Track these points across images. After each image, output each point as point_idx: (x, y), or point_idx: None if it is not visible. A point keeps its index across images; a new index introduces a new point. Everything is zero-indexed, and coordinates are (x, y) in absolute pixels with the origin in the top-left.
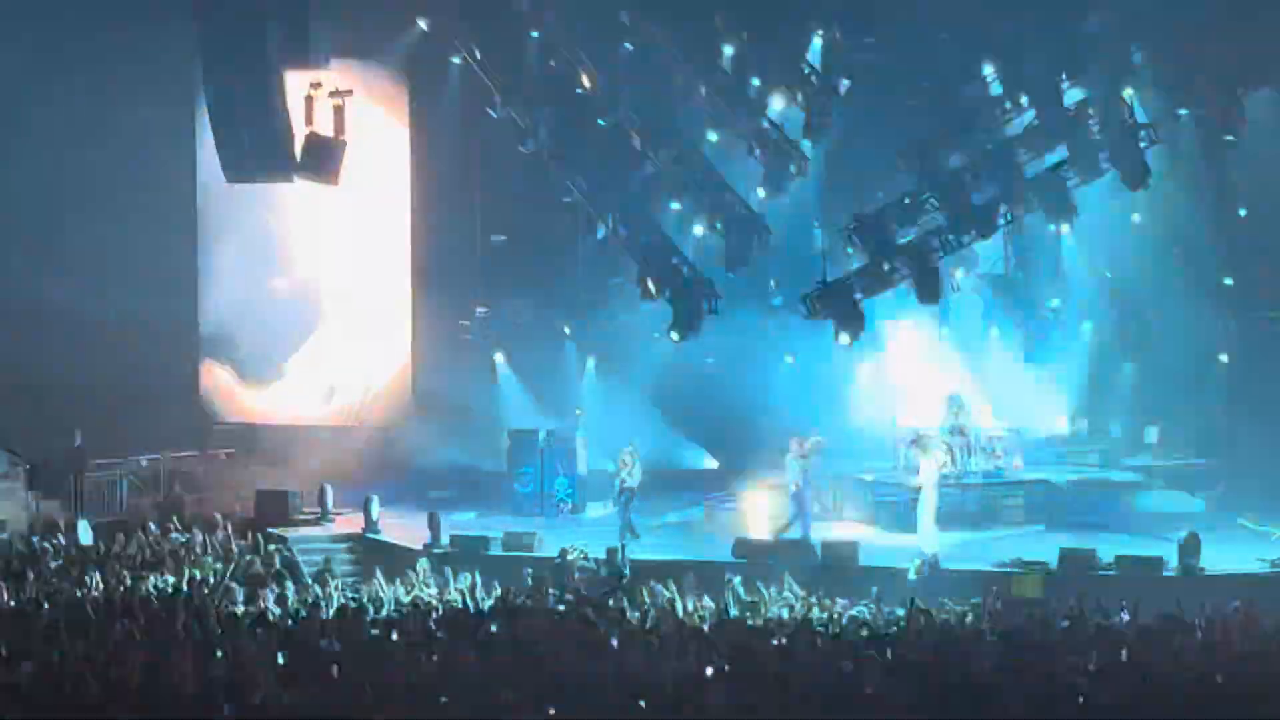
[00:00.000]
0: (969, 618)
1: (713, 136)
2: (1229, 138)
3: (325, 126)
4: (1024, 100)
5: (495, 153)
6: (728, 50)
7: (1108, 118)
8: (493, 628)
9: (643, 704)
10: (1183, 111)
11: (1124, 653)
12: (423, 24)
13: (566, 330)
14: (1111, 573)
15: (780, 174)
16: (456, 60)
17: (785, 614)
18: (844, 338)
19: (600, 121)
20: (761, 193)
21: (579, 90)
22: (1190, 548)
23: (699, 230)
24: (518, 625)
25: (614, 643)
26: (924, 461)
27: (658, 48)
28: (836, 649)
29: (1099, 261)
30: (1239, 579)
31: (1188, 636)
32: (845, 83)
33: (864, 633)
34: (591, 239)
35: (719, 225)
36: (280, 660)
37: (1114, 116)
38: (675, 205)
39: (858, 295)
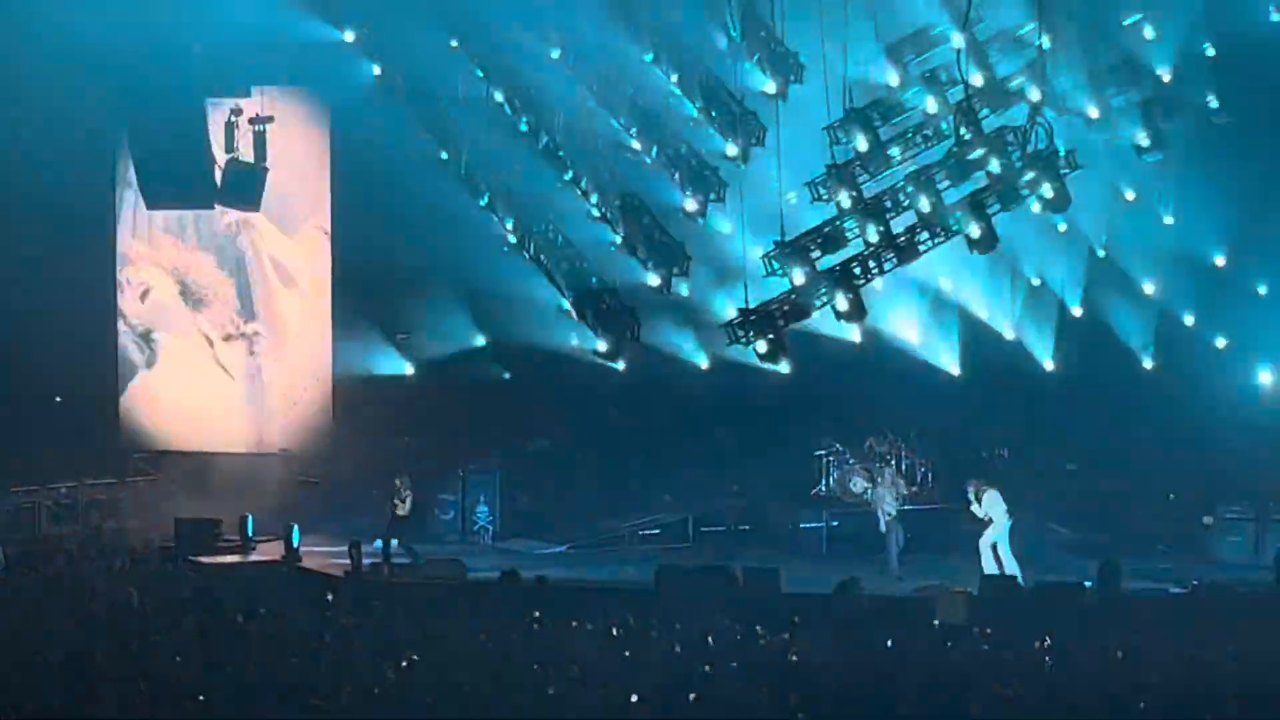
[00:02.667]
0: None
1: (636, 152)
2: (1151, 155)
3: (246, 153)
4: (944, 126)
5: (413, 168)
6: (653, 70)
7: (1028, 144)
8: None
9: None
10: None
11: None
12: (347, 36)
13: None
14: (1033, 599)
15: (702, 197)
16: (376, 70)
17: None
18: (767, 362)
19: (523, 127)
20: (690, 206)
21: (501, 105)
22: (1110, 572)
23: (618, 241)
24: None
25: None
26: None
27: (586, 63)
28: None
29: (1026, 268)
30: (1158, 601)
31: (1105, 661)
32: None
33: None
34: (515, 259)
35: (639, 251)
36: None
37: (1034, 142)
38: (595, 211)
39: (780, 321)
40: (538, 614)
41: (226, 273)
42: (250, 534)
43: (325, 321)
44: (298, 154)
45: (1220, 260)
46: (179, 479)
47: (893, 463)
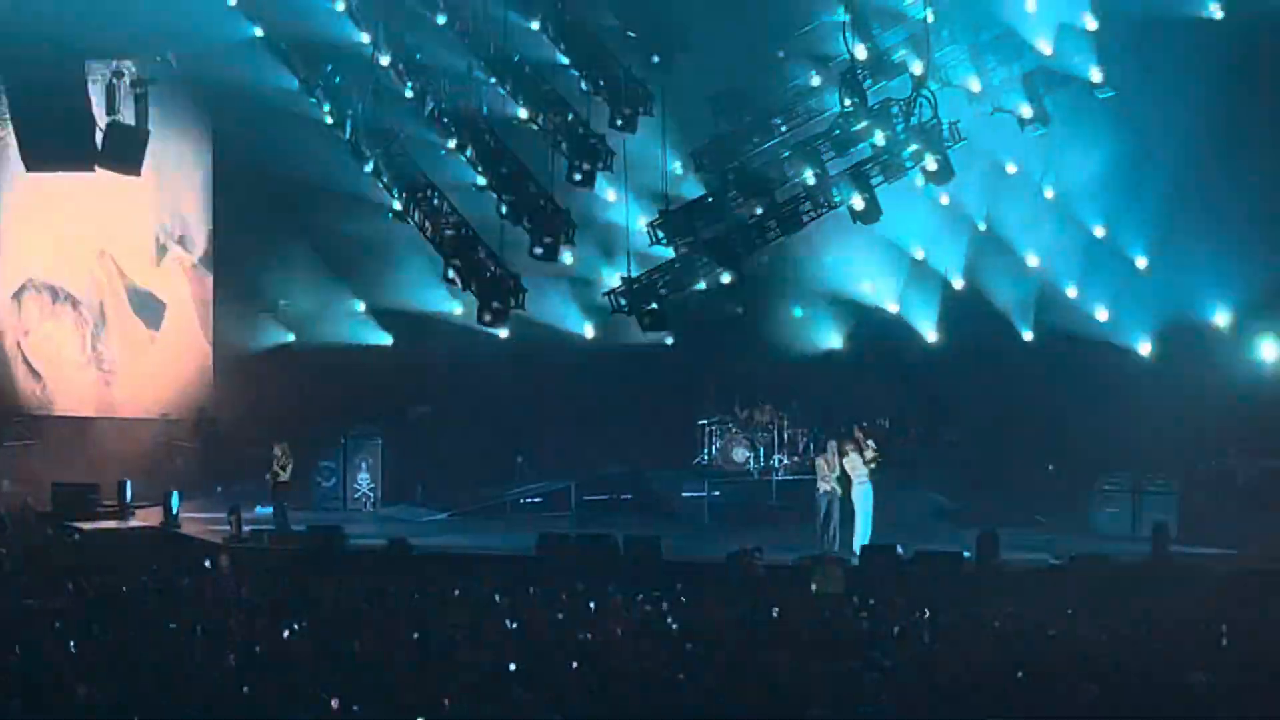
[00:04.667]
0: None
1: (522, 120)
2: (1036, 129)
3: (127, 115)
4: (828, 98)
5: (297, 134)
6: (540, 39)
7: (911, 117)
8: None
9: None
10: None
11: (920, 646)
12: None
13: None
14: (912, 568)
15: (587, 168)
16: (259, 33)
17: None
18: (651, 332)
19: (409, 93)
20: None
21: (387, 70)
22: (988, 542)
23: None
24: None
25: None
26: (853, 460)
27: (473, 31)
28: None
29: (908, 241)
30: (1034, 572)
31: (982, 631)
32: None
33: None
34: (399, 226)
35: (525, 220)
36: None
37: (918, 114)
38: (481, 182)
39: (663, 291)
40: (419, 581)
41: (107, 237)
42: (128, 499)
43: (206, 287)
44: (179, 117)
45: (1100, 232)
46: (57, 444)
47: (776, 433)
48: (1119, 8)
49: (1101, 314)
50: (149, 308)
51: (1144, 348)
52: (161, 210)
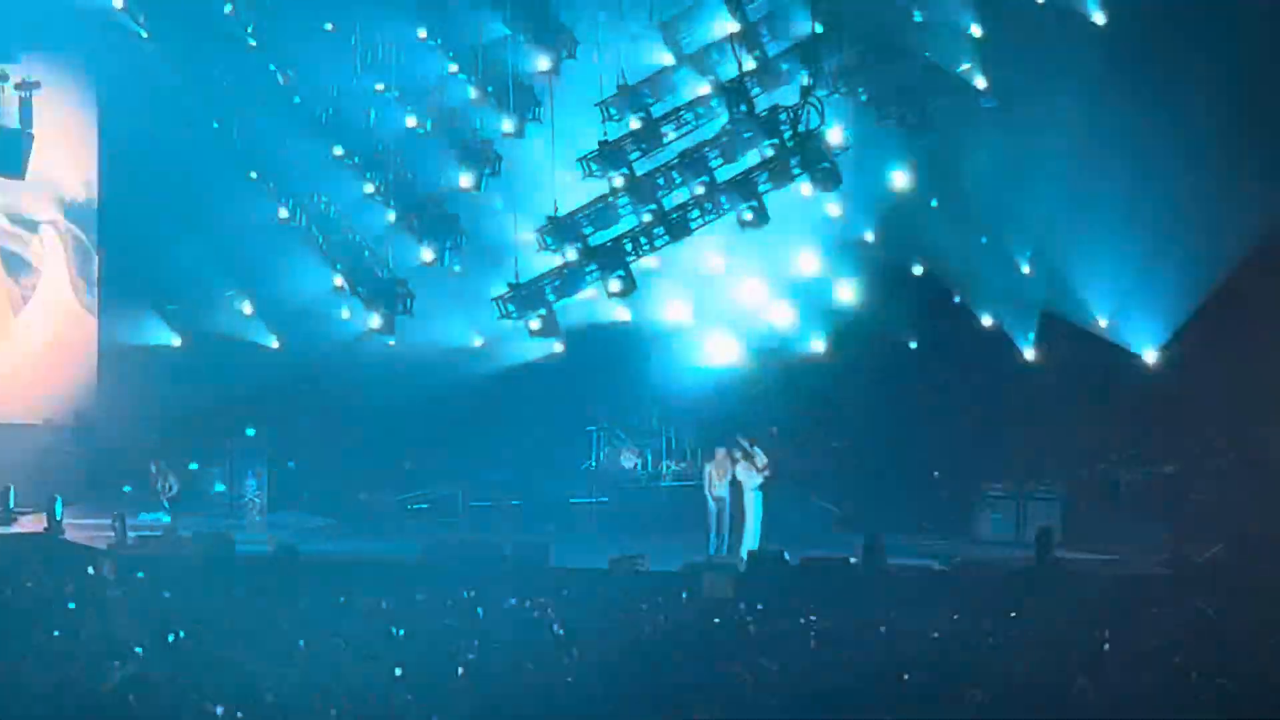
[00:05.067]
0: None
1: (410, 127)
2: (919, 135)
3: (11, 119)
4: (716, 105)
5: (186, 138)
6: (427, 45)
7: (799, 124)
8: None
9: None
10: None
11: (808, 651)
12: (115, 2)
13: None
14: (799, 574)
15: (476, 173)
16: (146, 37)
17: None
18: (539, 338)
19: (296, 100)
20: (464, 182)
21: (274, 76)
22: (874, 548)
23: (391, 218)
24: None
25: None
26: (743, 467)
27: (360, 38)
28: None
29: (797, 248)
30: (920, 578)
31: (871, 637)
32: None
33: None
34: (287, 232)
35: (413, 226)
36: None
37: (806, 123)
38: (369, 188)
39: (551, 297)
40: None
41: None
42: (11, 505)
43: (93, 290)
44: (65, 121)
45: (985, 239)
46: None
47: (664, 439)
48: (1004, 15)
49: (987, 320)
50: (32, 306)
51: (1028, 353)
52: (49, 209)
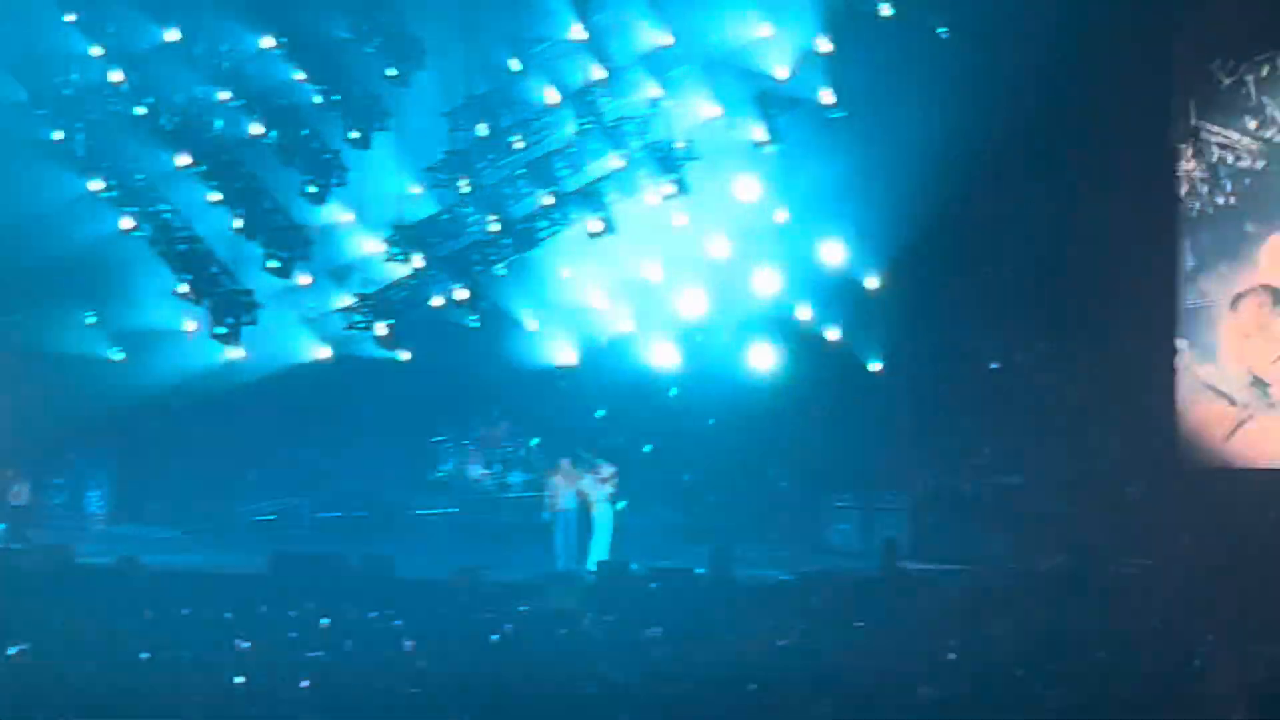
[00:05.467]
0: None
1: (256, 136)
2: (767, 148)
3: None
4: (565, 115)
5: (28, 149)
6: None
7: (646, 135)
8: None
9: None
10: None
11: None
12: None
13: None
14: (647, 584)
15: (321, 184)
16: None
17: None
18: (386, 348)
19: (141, 109)
20: (311, 191)
21: (119, 85)
22: (721, 558)
23: (237, 228)
24: None
25: None
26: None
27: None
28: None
29: (643, 259)
30: (767, 587)
31: (717, 646)
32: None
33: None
34: (132, 241)
35: (259, 236)
36: None
37: (653, 134)
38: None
39: (399, 307)
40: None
41: None
42: None
43: None
44: None
45: (832, 252)
46: None
47: (511, 450)
48: (851, 29)
49: (833, 333)
50: None
51: (874, 368)
52: None
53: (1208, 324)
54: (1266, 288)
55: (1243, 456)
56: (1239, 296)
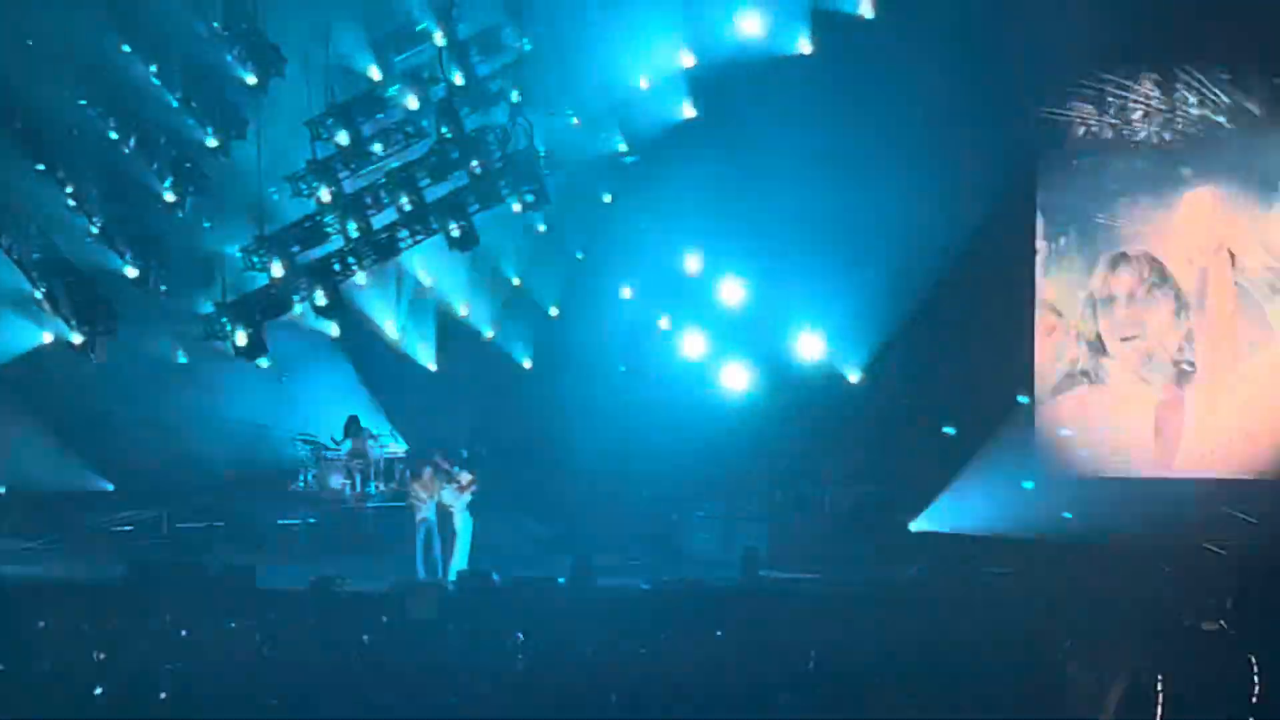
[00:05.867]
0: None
1: (114, 141)
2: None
3: None
4: (426, 124)
5: None
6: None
7: (508, 145)
8: None
9: None
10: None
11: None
12: None
13: None
14: (507, 594)
15: (182, 189)
16: None
17: None
18: (246, 356)
19: None
20: (170, 198)
21: None
22: (582, 567)
23: (95, 234)
24: None
25: None
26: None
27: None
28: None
29: (506, 268)
30: (628, 597)
31: (578, 657)
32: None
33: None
34: None
35: (117, 242)
36: None
37: (515, 143)
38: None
39: (259, 316)
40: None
41: None
42: None
43: None
44: None
45: (692, 262)
46: None
47: (371, 459)
48: (713, 42)
49: (696, 342)
50: None
51: (735, 377)
52: None
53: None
54: (1154, 260)
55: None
56: (1121, 258)
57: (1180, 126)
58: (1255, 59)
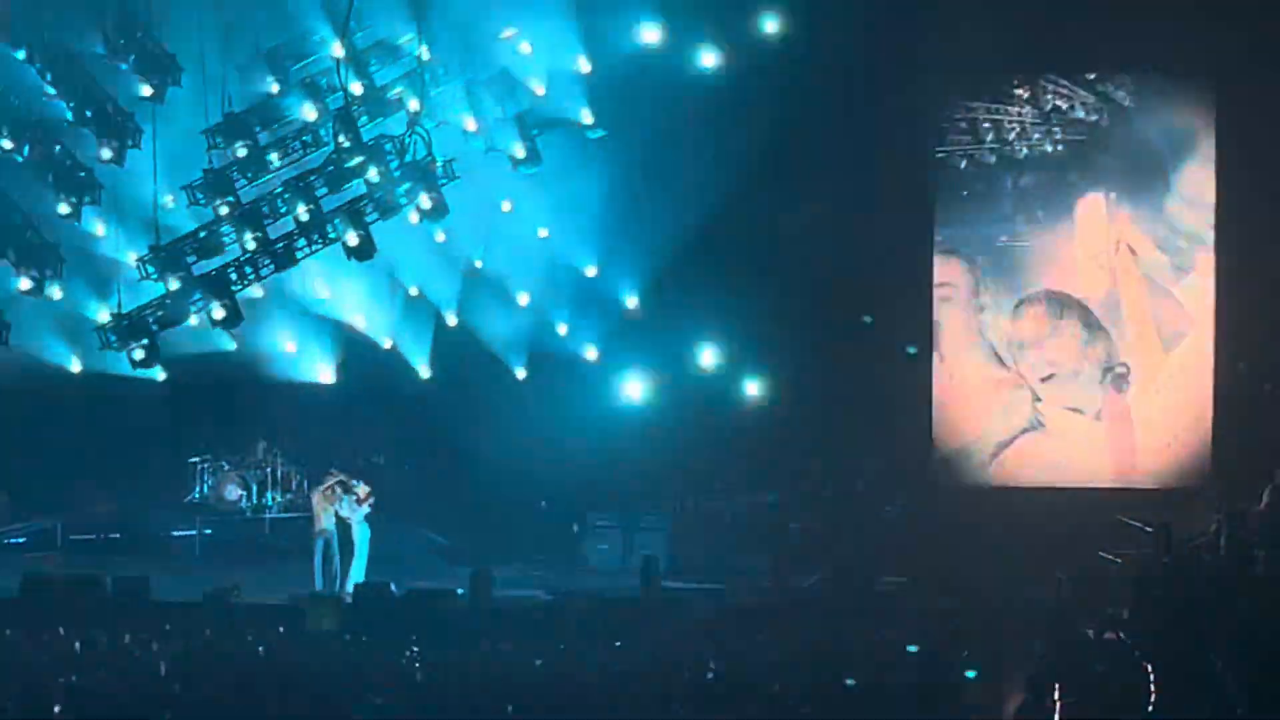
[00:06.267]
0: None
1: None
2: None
3: None
4: (323, 133)
5: None
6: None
7: (406, 154)
8: None
9: None
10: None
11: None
12: None
13: None
14: (406, 606)
15: (76, 200)
16: None
17: None
18: (142, 368)
19: None
20: (63, 209)
21: None
22: (482, 579)
23: None
24: None
25: None
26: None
27: None
28: None
29: (404, 278)
30: (527, 609)
31: (477, 668)
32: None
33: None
34: None
35: (9, 253)
36: None
37: (413, 152)
38: None
39: (154, 326)
40: None
41: None
42: None
43: None
44: None
45: (591, 272)
46: None
47: (269, 470)
48: (612, 51)
49: (591, 353)
50: None
51: (634, 387)
52: None
53: (993, 329)
54: (1052, 295)
55: (1008, 475)
56: (1021, 303)
57: (1059, 135)
58: (1115, 55)
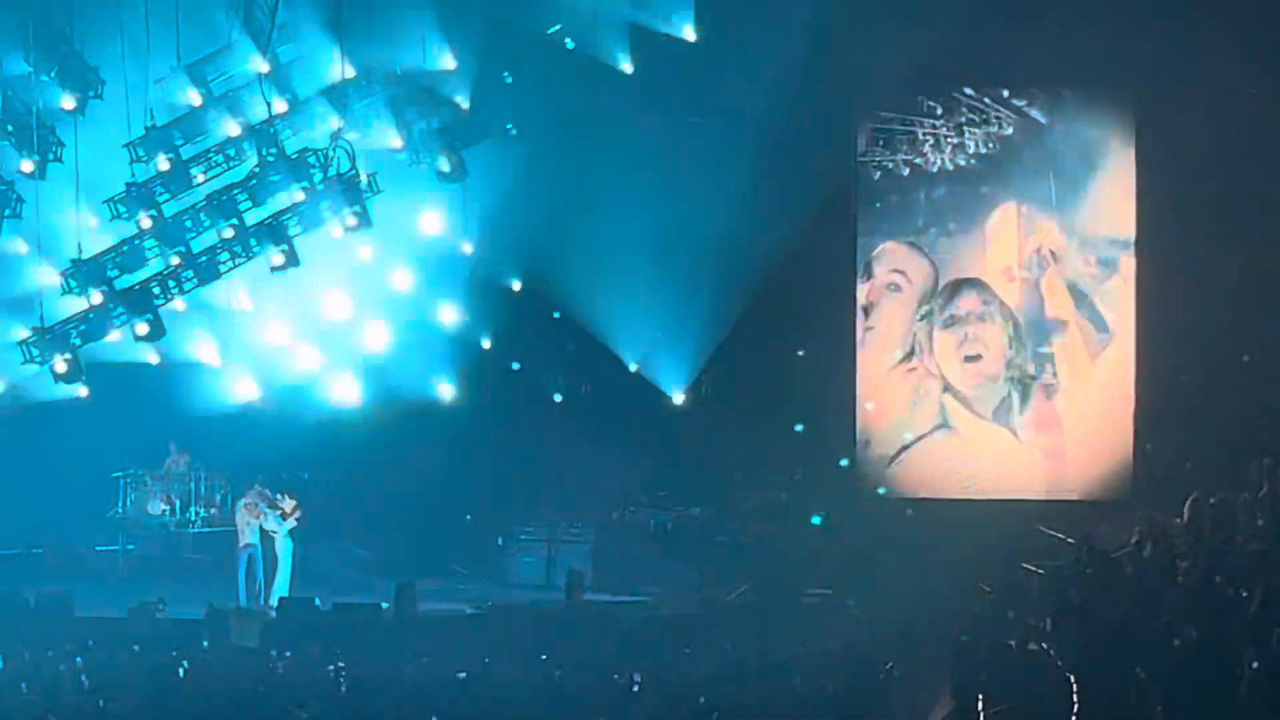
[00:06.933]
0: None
1: None
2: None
3: None
4: (246, 147)
5: None
6: None
7: (329, 168)
8: None
9: None
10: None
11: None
12: None
13: None
14: (330, 619)
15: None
16: None
17: None
18: (64, 383)
19: None
20: None
21: None
22: (406, 592)
23: None
24: None
25: None
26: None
27: None
28: None
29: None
30: (452, 621)
31: (401, 682)
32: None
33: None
34: None
35: None
36: None
37: (336, 166)
38: None
39: (76, 341)
40: None
41: None
42: None
43: None
44: None
45: (517, 285)
46: None
47: (193, 485)
48: (535, 63)
49: (516, 364)
50: None
51: (557, 398)
52: None
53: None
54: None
55: (921, 480)
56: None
57: (971, 149)
58: (1028, 71)
